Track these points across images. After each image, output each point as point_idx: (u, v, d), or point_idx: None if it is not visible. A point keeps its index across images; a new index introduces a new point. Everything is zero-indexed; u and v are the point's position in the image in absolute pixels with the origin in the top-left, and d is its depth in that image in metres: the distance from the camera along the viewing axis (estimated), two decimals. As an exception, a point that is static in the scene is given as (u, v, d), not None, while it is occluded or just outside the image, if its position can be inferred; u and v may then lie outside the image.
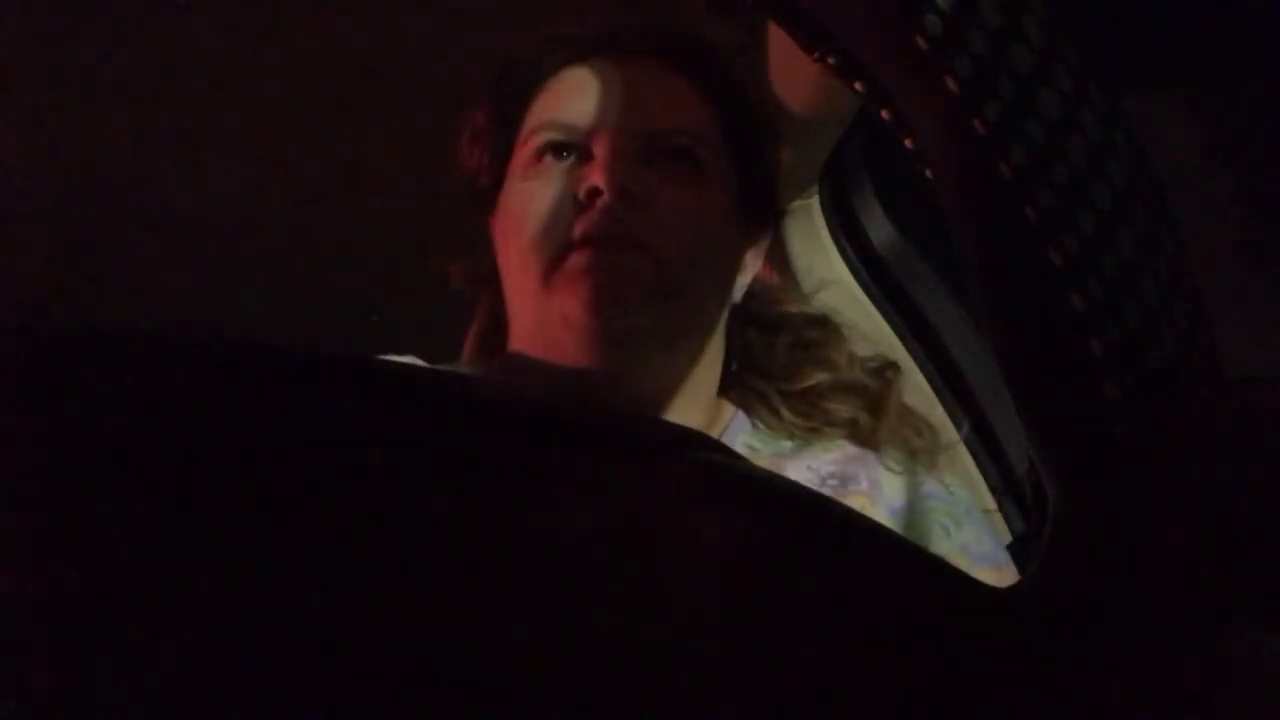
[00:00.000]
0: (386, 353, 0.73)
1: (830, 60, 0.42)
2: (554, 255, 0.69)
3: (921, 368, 1.08)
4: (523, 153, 0.74)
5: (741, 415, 0.80)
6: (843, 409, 0.78)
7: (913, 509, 0.75)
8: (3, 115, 0.90)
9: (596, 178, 0.68)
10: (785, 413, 0.78)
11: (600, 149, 0.70)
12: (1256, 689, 0.31)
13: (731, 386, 0.82)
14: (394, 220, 0.91)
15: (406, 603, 0.23)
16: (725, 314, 0.78)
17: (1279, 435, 0.35)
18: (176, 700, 0.20)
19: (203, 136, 0.94)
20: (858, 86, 0.41)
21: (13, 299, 0.92)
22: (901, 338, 1.09)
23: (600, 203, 0.68)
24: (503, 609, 0.23)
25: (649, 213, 0.69)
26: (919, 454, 0.79)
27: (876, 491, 0.75)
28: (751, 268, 0.80)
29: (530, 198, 0.71)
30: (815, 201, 1.12)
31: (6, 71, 0.87)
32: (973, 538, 0.76)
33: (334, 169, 0.98)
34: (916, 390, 1.04)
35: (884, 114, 0.41)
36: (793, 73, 0.93)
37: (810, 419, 0.78)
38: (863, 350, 0.83)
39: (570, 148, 0.72)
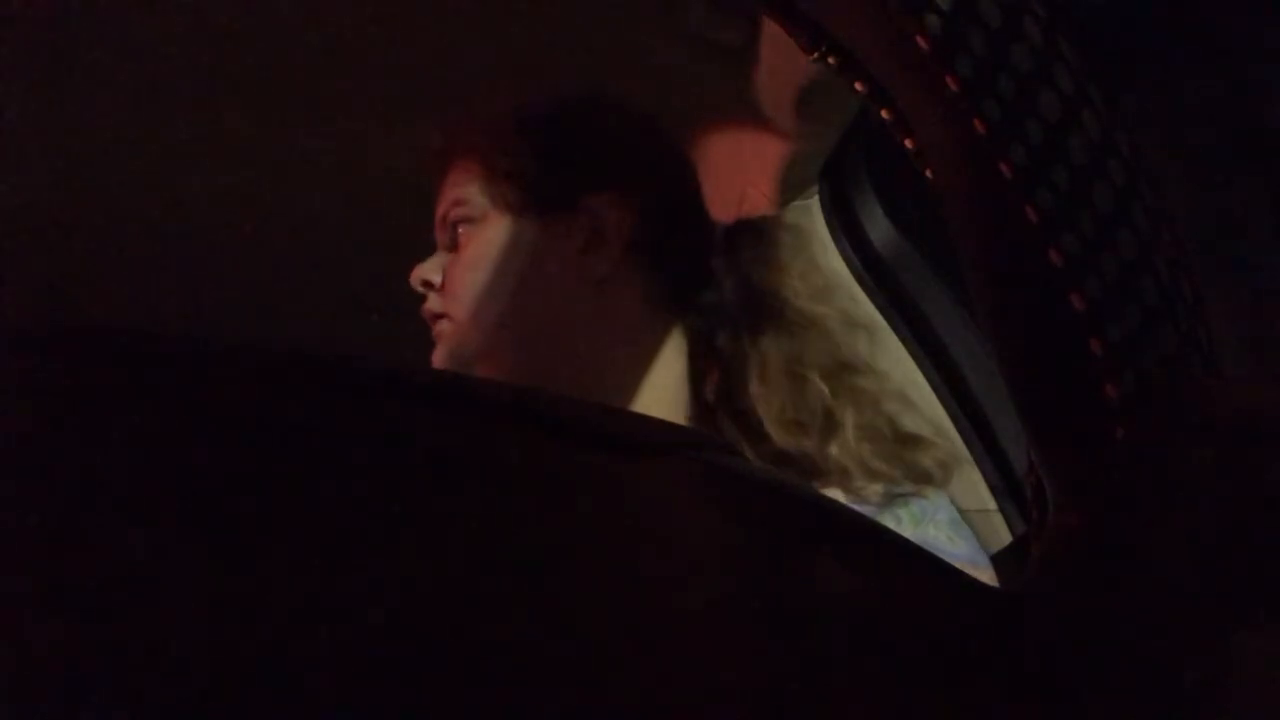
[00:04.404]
0: (386, 353, 0.74)
1: (830, 60, 0.42)
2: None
3: (921, 368, 1.08)
4: None
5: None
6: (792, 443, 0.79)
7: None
8: (2, 115, 0.90)
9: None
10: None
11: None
12: (1257, 689, 0.31)
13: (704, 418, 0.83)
14: (394, 220, 0.91)
15: (403, 602, 0.23)
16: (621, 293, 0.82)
17: (1276, 435, 0.35)
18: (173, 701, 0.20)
19: (201, 136, 0.94)
20: (858, 86, 0.41)
21: (13, 299, 0.92)
22: (901, 338, 1.08)
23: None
24: (497, 610, 0.23)
25: (443, 291, 0.85)
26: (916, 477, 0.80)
27: None
28: (610, 238, 0.82)
29: None
30: (815, 201, 1.12)
31: (6, 71, 0.87)
32: (941, 536, 0.77)
33: (334, 168, 0.98)
34: (916, 390, 1.04)
35: (884, 114, 0.41)
36: (788, 75, 0.93)
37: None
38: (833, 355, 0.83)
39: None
